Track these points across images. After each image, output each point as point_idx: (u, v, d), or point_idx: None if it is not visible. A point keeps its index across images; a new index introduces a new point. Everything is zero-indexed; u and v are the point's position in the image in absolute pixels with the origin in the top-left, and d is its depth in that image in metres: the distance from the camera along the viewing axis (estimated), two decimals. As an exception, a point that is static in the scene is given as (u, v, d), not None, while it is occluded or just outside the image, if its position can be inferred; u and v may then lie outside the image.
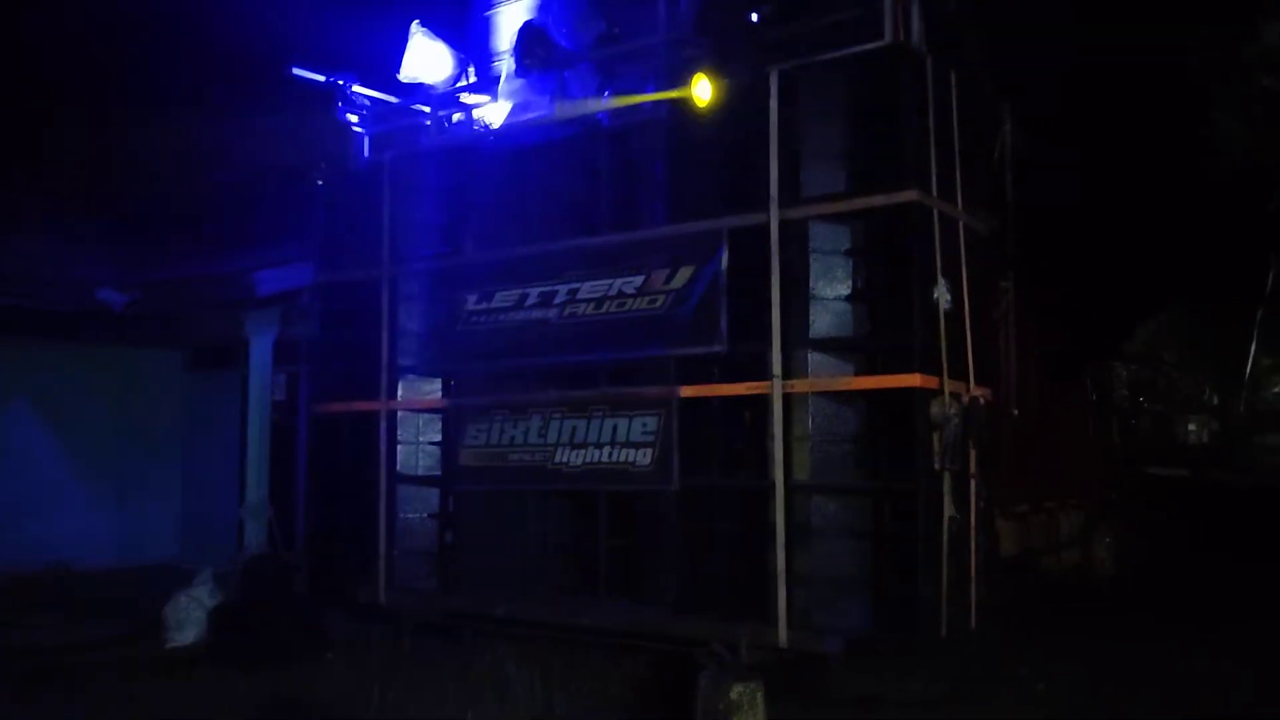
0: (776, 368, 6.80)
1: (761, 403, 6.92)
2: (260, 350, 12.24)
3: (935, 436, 6.47)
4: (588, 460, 7.60)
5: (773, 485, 6.76)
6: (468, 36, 9.58)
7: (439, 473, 8.82)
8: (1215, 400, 39.15)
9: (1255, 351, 35.75)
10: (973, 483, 6.84)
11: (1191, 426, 40.30)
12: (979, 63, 8.87)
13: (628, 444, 7.45)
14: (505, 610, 8.03)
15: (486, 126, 8.70)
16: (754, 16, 6.84)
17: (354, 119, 8.77)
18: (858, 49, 6.85)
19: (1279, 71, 7.73)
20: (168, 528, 13.87)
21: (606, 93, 8.12)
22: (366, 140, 9.03)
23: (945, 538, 6.56)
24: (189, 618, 9.36)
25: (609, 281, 7.62)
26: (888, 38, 6.79)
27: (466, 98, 8.95)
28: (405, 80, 8.98)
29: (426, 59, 8.90)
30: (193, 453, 14.06)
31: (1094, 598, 11.12)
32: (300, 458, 11.89)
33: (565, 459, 7.72)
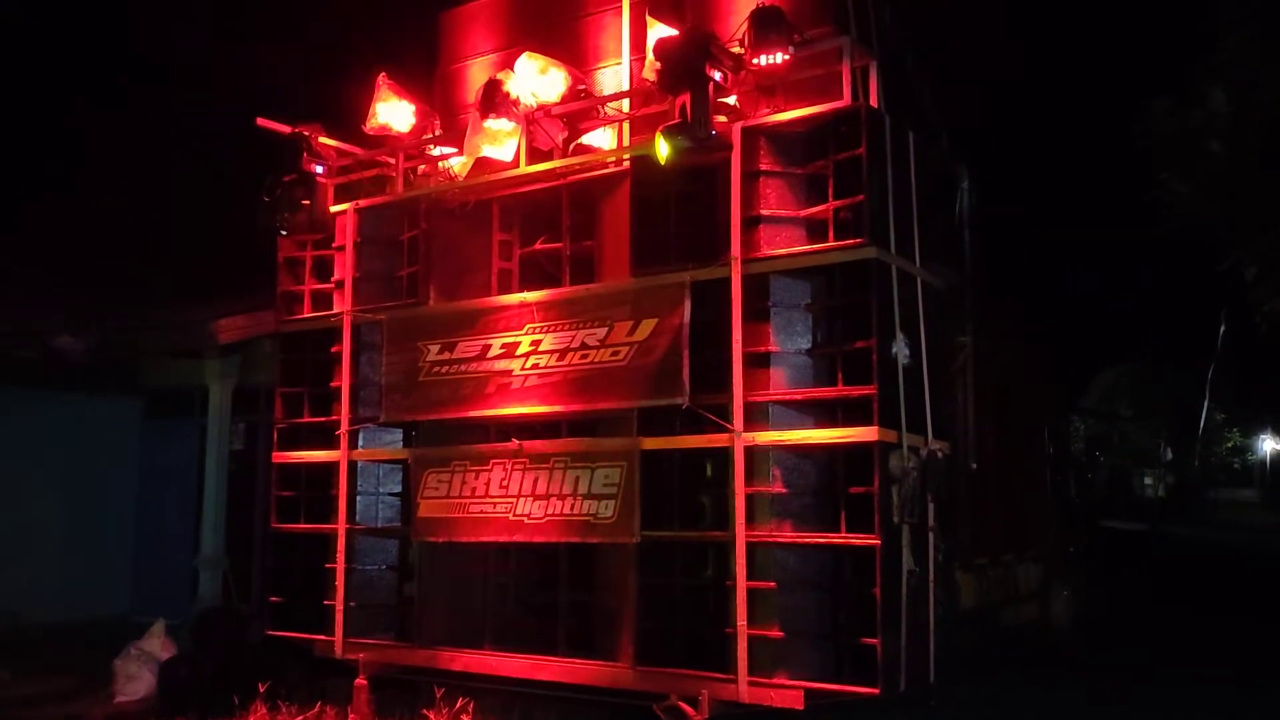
0: (738, 421, 6.84)
1: (723, 455, 6.95)
2: (219, 398, 12.13)
3: (894, 490, 6.52)
4: (549, 512, 7.58)
5: (734, 538, 6.77)
6: (435, 89, 9.67)
7: (399, 524, 8.76)
8: (1170, 454, 39.74)
9: (1208, 407, 36.39)
10: (931, 536, 6.89)
11: (1148, 480, 40.83)
12: (937, 123, 9.09)
13: (590, 496, 7.43)
14: (464, 664, 7.95)
15: (452, 178, 8.75)
16: (716, 75, 6.95)
17: (319, 169, 8.78)
18: (818, 108, 6.99)
19: (1223, 136, 8.01)
20: (121, 579, 13.60)
21: (571, 145, 8.21)
22: (331, 190, 9.04)
23: (904, 591, 6.59)
24: (140, 671, 9.20)
25: (572, 333, 7.65)
26: (847, 98, 6.94)
27: (432, 149, 9.00)
28: (371, 131, 9.02)
29: (393, 110, 8.96)
30: (148, 502, 13.83)
31: (1052, 651, 11.19)
32: (258, 508, 11.79)
33: (527, 510, 7.70)
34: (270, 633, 9.11)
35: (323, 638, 8.67)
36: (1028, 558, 11.68)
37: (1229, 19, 8.07)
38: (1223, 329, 31.37)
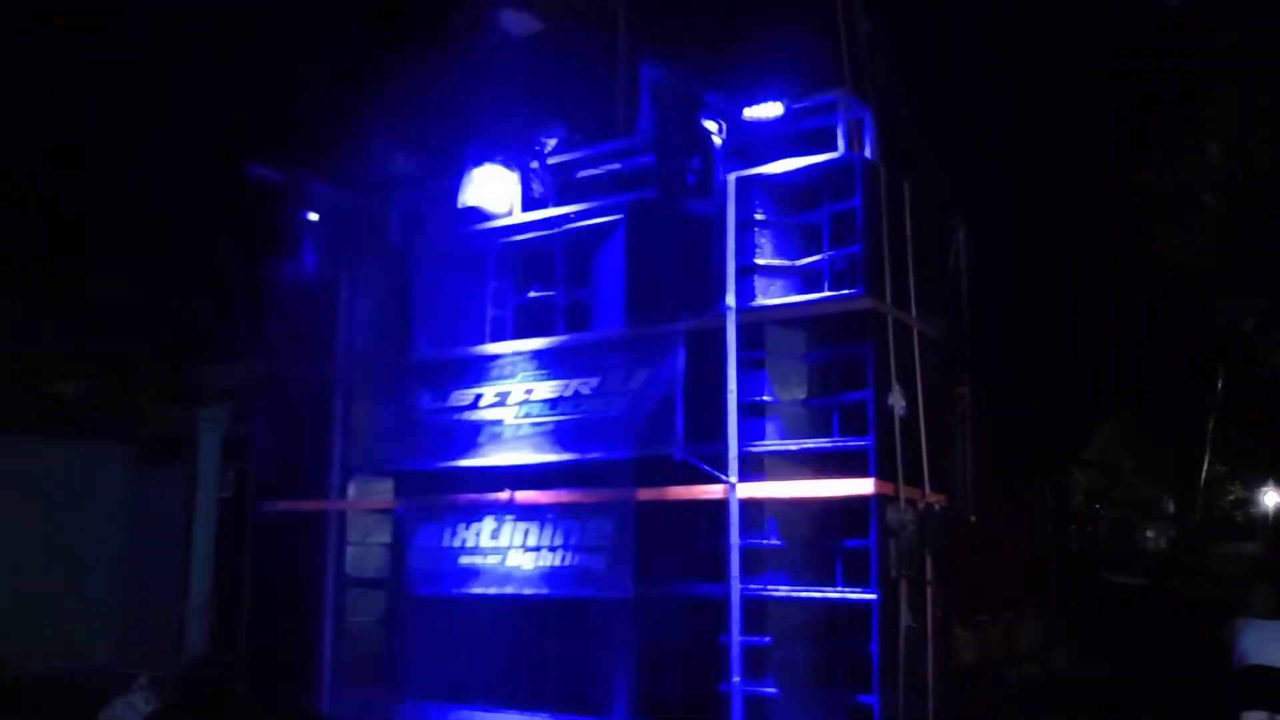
0: (733, 472, 6.74)
1: (718, 507, 6.84)
2: (209, 446, 11.98)
3: (891, 543, 6.41)
4: (541, 565, 7.45)
5: (728, 592, 6.64)
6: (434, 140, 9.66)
7: (388, 575, 8.61)
8: (1172, 507, 39.40)
9: (1210, 459, 36.15)
10: (929, 591, 6.76)
11: (1150, 533, 40.45)
12: (931, 174, 9.08)
13: (582, 548, 7.31)
14: (452, 720, 7.80)
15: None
16: (713, 126, 6.95)
17: (313, 216, 8.75)
18: (813, 159, 6.97)
19: (1217, 188, 8.01)
20: (109, 628, 13.37)
21: (566, 196, 8.18)
22: (325, 237, 9.00)
23: (901, 647, 6.45)
24: (123, 726, 8.98)
25: (565, 382, 7.58)
26: (841, 150, 6.92)
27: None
28: (371, 181, 9.00)
29: (393, 160, 8.95)
30: (136, 551, 13.62)
31: (1054, 708, 10.96)
32: (248, 557, 11.61)
33: (518, 563, 7.57)
34: (257, 686, 8.92)
35: (309, 691, 8.49)
36: (1029, 614, 11.49)
37: (1220, 73, 8.12)
38: (1221, 381, 31.27)
